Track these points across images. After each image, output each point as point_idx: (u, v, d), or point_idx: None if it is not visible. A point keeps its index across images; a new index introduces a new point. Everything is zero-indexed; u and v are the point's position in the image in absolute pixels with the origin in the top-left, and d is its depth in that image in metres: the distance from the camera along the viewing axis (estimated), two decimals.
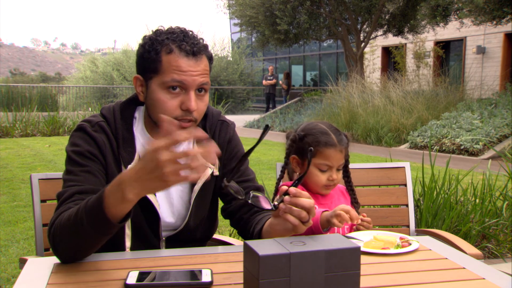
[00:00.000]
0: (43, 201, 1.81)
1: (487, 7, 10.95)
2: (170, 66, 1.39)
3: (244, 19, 17.37)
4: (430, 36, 16.29)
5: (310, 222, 1.24)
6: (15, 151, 8.81)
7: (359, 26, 16.45)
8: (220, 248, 1.50)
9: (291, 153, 1.81)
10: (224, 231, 3.87)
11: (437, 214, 3.47)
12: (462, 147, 8.97)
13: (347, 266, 1.03)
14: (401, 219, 2.24)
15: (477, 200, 3.77)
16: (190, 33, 1.45)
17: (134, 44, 33.64)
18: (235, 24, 20.62)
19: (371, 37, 16.37)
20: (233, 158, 1.62)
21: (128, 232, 1.47)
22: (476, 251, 1.74)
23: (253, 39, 21.28)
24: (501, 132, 9.29)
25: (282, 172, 1.86)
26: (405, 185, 2.25)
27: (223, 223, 3.80)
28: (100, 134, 1.46)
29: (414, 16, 15.29)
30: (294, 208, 1.21)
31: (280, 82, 19.99)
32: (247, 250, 1.04)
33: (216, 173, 1.57)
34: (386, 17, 16.02)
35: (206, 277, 1.14)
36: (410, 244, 1.43)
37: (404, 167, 2.26)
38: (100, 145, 1.44)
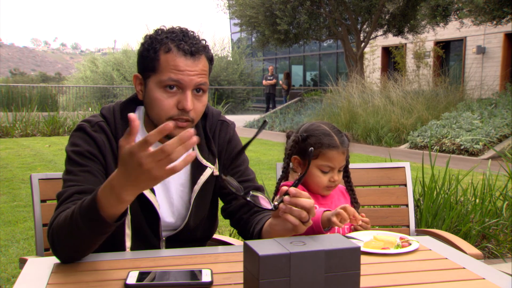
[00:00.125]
0: (43, 201, 1.81)
1: (487, 7, 10.95)
2: (168, 65, 1.39)
3: (244, 19, 17.37)
4: (430, 36, 16.29)
5: (310, 222, 1.24)
6: (15, 151, 8.81)
7: (359, 26, 16.45)
8: (220, 248, 1.50)
9: (293, 153, 1.81)
10: (224, 231, 3.87)
11: (437, 214, 3.47)
12: (462, 147, 8.97)
13: (347, 266, 1.03)
14: (401, 219, 2.24)
15: (477, 200, 3.77)
16: (191, 33, 1.45)
17: (134, 44, 33.68)
18: (235, 24, 20.63)
19: (371, 37, 16.37)
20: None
21: (128, 232, 1.47)
22: (476, 251, 1.74)
23: (253, 39, 21.28)
24: (501, 132, 9.29)
25: (283, 172, 1.86)
26: (405, 185, 2.24)
27: (223, 223, 3.80)
28: (99, 134, 1.46)
29: (414, 16, 15.29)
30: (294, 208, 1.21)
31: (280, 82, 19.99)
32: (247, 250, 1.04)
33: (216, 173, 1.57)
34: (386, 17, 16.02)
35: (206, 277, 1.14)
36: (410, 244, 1.43)
37: (404, 167, 2.26)
38: (100, 145, 1.44)
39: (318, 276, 1.01)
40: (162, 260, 1.31)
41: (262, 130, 1.16)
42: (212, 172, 1.55)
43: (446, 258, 1.34)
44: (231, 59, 27.46)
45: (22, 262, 1.54)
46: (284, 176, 1.85)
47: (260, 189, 1.62)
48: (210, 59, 1.48)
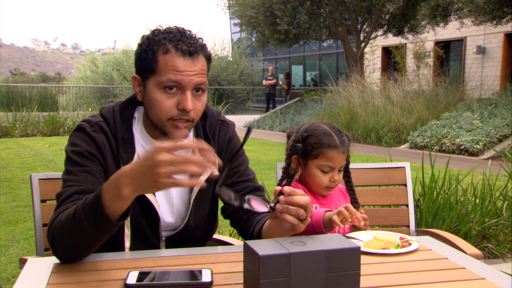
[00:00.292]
0: (43, 201, 1.81)
1: (487, 7, 10.95)
2: (167, 66, 1.39)
3: (244, 19, 17.37)
4: (430, 36, 16.29)
5: (308, 220, 1.24)
6: (15, 151, 8.81)
7: (359, 26, 16.45)
8: (220, 248, 1.50)
9: (293, 153, 1.81)
10: (224, 231, 3.87)
11: (437, 214, 3.47)
12: (462, 147, 8.97)
13: (347, 266, 1.03)
14: (401, 219, 2.24)
15: (477, 200, 3.77)
16: (188, 32, 1.45)
17: (134, 44, 33.62)
18: (235, 24, 20.63)
19: (371, 37, 16.37)
20: (233, 159, 1.61)
21: (127, 232, 1.47)
22: (476, 251, 1.74)
23: (253, 39, 21.28)
24: (501, 132, 9.29)
25: (284, 172, 1.86)
26: (405, 185, 2.24)
27: (223, 223, 3.80)
28: (99, 134, 1.46)
29: (414, 16, 15.29)
30: (291, 207, 1.21)
31: (280, 82, 19.99)
32: (247, 250, 1.04)
33: (216, 173, 1.57)
34: (386, 17, 16.02)
35: (206, 277, 1.14)
36: (410, 244, 1.43)
37: (404, 167, 2.26)
38: (100, 145, 1.44)
39: (318, 276, 1.01)
40: (162, 260, 1.31)
41: (247, 139, 1.17)
42: (212, 172, 1.55)
43: (446, 258, 1.34)
44: (231, 59, 27.46)
45: (22, 262, 1.54)
46: (285, 177, 1.85)
47: (260, 189, 1.62)
48: (208, 58, 1.48)
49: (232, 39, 29.98)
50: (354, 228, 1.70)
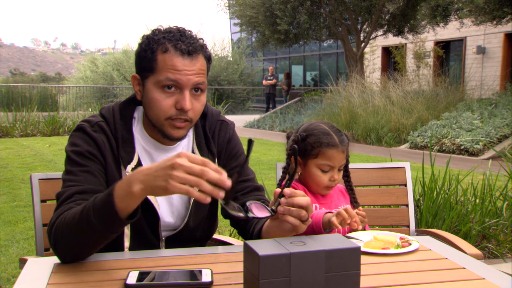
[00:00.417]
0: (43, 201, 1.81)
1: (487, 7, 10.95)
2: (165, 65, 1.39)
3: (244, 19, 17.37)
4: (430, 36, 16.29)
5: (309, 220, 1.24)
6: (15, 151, 8.81)
7: (359, 26, 16.45)
8: (220, 248, 1.50)
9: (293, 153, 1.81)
10: (224, 231, 3.87)
11: (437, 214, 3.47)
12: (462, 147, 8.97)
13: (347, 266, 1.03)
14: (401, 219, 2.24)
15: (477, 200, 3.77)
16: (188, 32, 1.45)
17: (134, 44, 33.64)
18: (235, 24, 20.62)
19: (371, 37, 16.37)
20: (233, 158, 1.62)
21: (127, 232, 1.47)
22: (476, 251, 1.74)
23: (253, 39, 21.28)
24: (501, 132, 9.29)
25: (284, 172, 1.86)
26: (405, 185, 2.24)
27: (223, 223, 3.80)
28: (99, 134, 1.46)
29: (414, 16, 15.29)
30: (292, 208, 1.21)
31: (280, 83, 20.00)
32: (247, 250, 1.04)
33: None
34: (386, 17, 16.02)
35: (206, 277, 1.14)
36: (410, 244, 1.43)
37: (404, 167, 2.26)
38: (100, 145, 1.44)
39: (318, 276, 1.01)
40: (162, 260, 1.31)
41: (251, 151, 1.18)
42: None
43: (446, 258, 1.34)
44: (231, 59, 27.46)
45: (22, 262, 1.54)
46: (285, 176, 1.85)
47: (260, 188, 1.62)
48: (208, 58, 1.48)
49: (232, 39, 29.98)
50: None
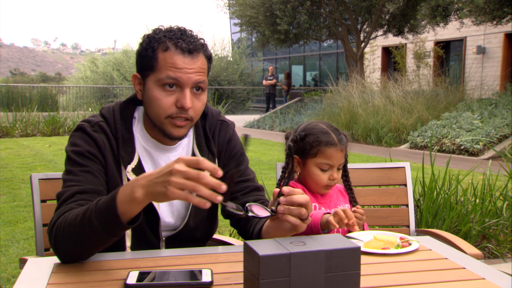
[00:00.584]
0: (43, 201, 1.81)
1: (487, 7, 10.95)
2: (166, 63, 1.39)
3: (244, 19, 17.37)
4: (430, 36, 16.29)
5: (309, 219, 1.24)
6: (15, 151, 8.81)
7: (359, 26, 16.45)
8: (220, 248, 1.50)
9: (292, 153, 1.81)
10: (224, 231, 3.87)
11: (437, 214, 3.47)
12: (462, 147, 8.97)
13: (347, 266, 1.03)
14: (401, 219, 2.24)
15: (477, 200, 3.77)
16: (189, 31, 1.45)
17: (134, 44, 33.66)
18: (235, 24, 20.62)
19: (371, 37, 16.37)
20: (233, 158, 1.62)
21: (127, 231, 1.47)
22: (476, 251, 1.74)
23: (253, 39, 21.28)
24: (501, 132, 9.29)
25: (283, 172, 1.86)
26: (405, 185, 2.24)
27: (223, 223, 3.80)
28: (99, 134, 1.46)
29: (414, 16, 15.29)
30: (292, 207, 1.21)
31: (280, 83, 20.01)
32: (247, 250, 1.04)
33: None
34: (386, 17, 16.02)
35: (206, 277, 1.14)
36: (410, 244, 1.43)
37: (404, 167, 2.26)
38: (100, 145, 1.44)
39: (318, 276, 1.01)
40: (162, 260, 1.31)
41: (248, 144, 1.20)
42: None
43: (446, 258, 1.34)
44: (231, 59, 27.46)
45: (22, 262, 1.54)
46: (288, 176, 1.85)
47: (260, 189, 1.62)
48: (209, 58, 1.48)
49: (232, 39, 29.98)
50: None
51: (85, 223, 1.19)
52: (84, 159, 1.42)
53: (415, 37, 16.08)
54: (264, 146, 10.18)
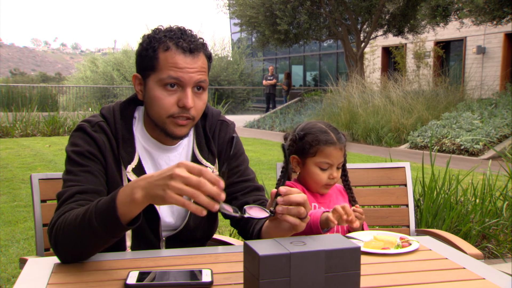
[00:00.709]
0: (43, 201, 1.81)
1: (487, 7, 10.95)
2: (167, 63, 1.39)
3: (244, 19, 17.38)
4: (430, 36, 16.29)
5: (308, 218, 1.24)
6: (15, 151, 8.81)
7: (359, 26, 16.45)
8: (220, 248, 1.50)
9: (291, 153, 1.82)
10: (224, 231, 3.87)
11: (437, 214, 3.47)
12: (462, 147, 8.97)
13: (347, 266, 1.03)
14: (401, 219, 2.24)
15: (477, 200, 3.77)
16: (188, 31, 1.45)
17: (134, 44, 33.65)
18: (235, 24, 20.62)
19: (371, 37, 16.37)
20: (233, 158, 1.62)
21: (128, 231, 1.47)
22: (476, 251, 1.74)
23: (253, 39, 21.28)
24: (501, 132, 9.29)
25: (283, 172, 1.86)
26: (405, 185, 2.24)
27: (223, 223, 3.80)
28: (100, 134, 1.46)
29: (414, 16, 15.29)
30: (290, 207, 1.21)
31: (280, 83, 20.01)
32: (247, 250, 1.04)
33: (216, 172, 1.57)
34: (386, 17, 16.02)
35: (206, 277, 1.14)
36: (410, 244, 1.43)
37: (404, 167, 2.26)
38: (100, 145, 1.44)
39: (318, 276, 1.01)
40: (162, 260, 1.31)
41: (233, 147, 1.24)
42: (212, 172, 1.55)
43: (446, 258, 1.34)
44: (231, 59, 27.45)
45: (22, 262, 1.54)
46: (284, 176, 1.85)
47: (260, 189, 1.62)
48: (209, 57, 1.48)
49: (232, 39, 29.98)
50: (350, 227, 1.71)
51: (85, 223, 1.19)
52: (84, 159, 1.42)
53: (415, 37, 16.09)
54: (264, 146, 10.18)
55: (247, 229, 1.52)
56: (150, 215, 1.48)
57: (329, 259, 1.01)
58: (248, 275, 1.04)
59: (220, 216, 1.67)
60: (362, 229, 1.76)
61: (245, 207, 1.23)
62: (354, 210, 1.72)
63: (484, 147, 8.88)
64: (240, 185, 1.58)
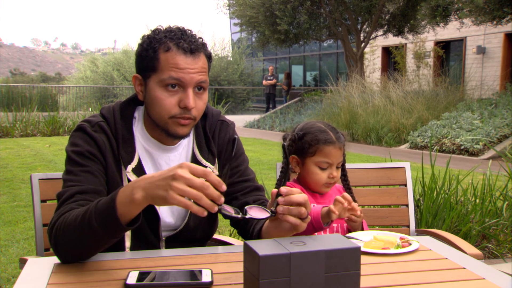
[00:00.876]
0: (43, 201, 1.81)
1: (487, 7, 10.95)
2: (168, 64, 1.39)
3: (244, 19, 17.38)
4: (430, 36, 16.29)
5: (308, 218, 1.24)
6: (15, 151, 8.81)
7: (359, 26, 16.45)
8: (220, 248, 1.50)
9: (291, 153, 1.82)
10: (224, 231, 3.87)
11: (437, 214, 3.47)
12: (462, 147, 8.97)
13: (347, 266, 1.03)
14: (401, 219, 2.24)
15: (477, 200, 3.77)
16: (188, 31, 1.45)
17: (134, 44, 33.63)
18: (235, 24, 20.62)
19: (371, 37, 16.37)
20: (233, 158, 1.62)
21: (127, 232, 1.47)
22: (476, 251, 1.74)
23: (253, 39, 21.28)
24: (501, 132, 9.29)
25: (282, 172, 1.86)
26: (405, 185, 2.24)
27: (223, 223, 3.80)
28: (100, 134, 1.46)
29: (414, 16, 15.30)
30: (291, 207, 1.20)
31: (280, 83, 20.00)
32: (247, 250, 1.04)
33: (216, 172, 1.57)
34: (386, 17, 16.02)
35: (206, 277, 1.14)
36: (410, 244, 1.43)
37: (404, 167, 2.26)
38: (100, 145, 1.44)
39: (318, 276, 1.01)
40: (162, 260, 1.31)
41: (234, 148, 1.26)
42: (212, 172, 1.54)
43: (446, 258, 1.34)
44: (231, 59, 27.45)
45: (22, 262, 1.54)
46: (284, 176, 1.85)
47: (260, 188, 1.62)
48: (209, 57, 1.48)
49: (232, 39, 29.98)
50: (351, 221, 1.72)
51: (85, 224, 1.19)
52: (84, 159, 1.42)
53: (415, 37, 16.09)
54: (264, 146, 10.18)
55: (247, 229, 1.52)
56: (150, 215, 1.48)
57: (329, 259, 1.01)
58: (248, 275, 1.04)
59: (220, 216, 1.67)
60: (362, 229, 1.76)
61: (245, 207, 1.23)
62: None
63: (484, 147, 8.88)
64: (240, 185, 1.58)
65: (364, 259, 1.23)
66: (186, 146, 1.58)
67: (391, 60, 18.34)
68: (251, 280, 1.02)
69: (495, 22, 11.76)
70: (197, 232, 1.57)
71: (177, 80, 1.39)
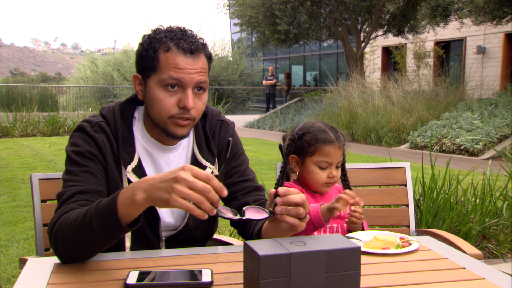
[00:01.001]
0: (43, 201, 1.81)
1: (487, 7, 10.95)
2: (168, 64, 1.39)
3: (244, 19, 17.38)
4: (430, 36, 16.29)
5: (307, 218, 1.24)
6: (15, 151, 8.81)
7: (359, 26, 16.45)
8: (220, 248, 1.50)
9: (290, 153, 1.82)
10: (224, 231, 3.87)
11: (437, 214, 3.47)
12: (462, 147, 8.97)
13: (347, 266, 1.03)
14: (401, 219, 2.24)
15: (477, 200, 3.76)
16: (189, 32, 1.45)
17: (134, 44, 33.66)
18: (235, 24, 20.63)
19: (371, 37, 16.37)
20: (233, 158, 1.62)
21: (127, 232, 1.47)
22: (476, 251, 1.74)
23: (253, 39, 21.28)
24: (501, 132, 9.29)
25: (282, 172, 1.86)
26: (405, 185, 2.24)
27: (223, 223, 3.80)
28: (100, 134, 1.46)
29: (414, 16, 15.30)
30: (289, 208, 1.20)
31: (280, 83, 20.01)
32: (247, 250, 1.04)
33: (216, 173, 1.57)
34: (386, 17, 16.02)
35: (206, 277, 1.14)
36: (410, 244, 1.43)
37: (404, 167, 2.26)
38: (100, 145, 1.44)
39: (318, 276, 1.01)
40: (162, 260, 1.31)
41: (229, 150, 1.26)
42: (212, 172, 1.55)
43: (446, 258, 1.34)
44: (231, 59, 27.45)
45: (22, 262, 1.54)
46: (283, 176, 1.85)
47: (260, 188, 1.62)
48: (209, 57, 1.48)
49: (232, 39, 29.98)
50: (352, 223, 1.72)
51: (85, 224, 1.19)
52: (84, 159, 1.42)
53: (415, 37, 16.09)
54: (264, 146, 10.18)
55: (247, 229, 1.52)
56: (150, 215, 1.48)
57: (329, 259, 1.01)
58: (248, 275, 1.04)
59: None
60: (362, 229, 1.76)
61: (244, 208, 1.23)
62: (354, 211, 1.72)
63: (484, 147, 8.88)
64: (240, 185, 1.58)
65: (364, 259, 1.23)
66: (186, 146, 1.58)
67: (391, 60, 18.34)
68: (251, 280, 1.02)
69: (495, 22, 11.76)
70: (197, 232, 1.57)
71: (176, 80, 1.39)
